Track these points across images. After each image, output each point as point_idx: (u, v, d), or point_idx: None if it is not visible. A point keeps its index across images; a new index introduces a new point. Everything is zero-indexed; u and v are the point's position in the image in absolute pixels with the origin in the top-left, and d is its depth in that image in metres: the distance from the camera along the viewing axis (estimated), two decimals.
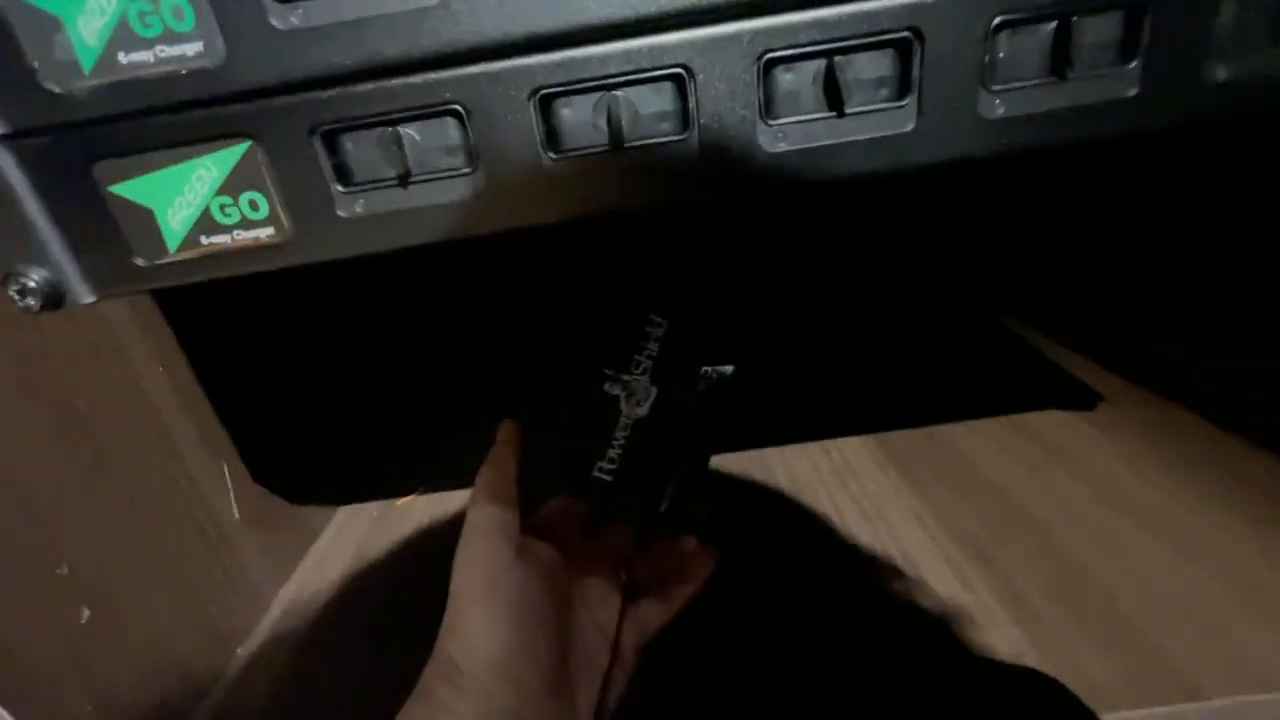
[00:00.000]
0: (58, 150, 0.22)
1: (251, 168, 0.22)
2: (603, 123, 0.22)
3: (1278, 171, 0.38)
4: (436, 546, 0.38)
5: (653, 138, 0.22)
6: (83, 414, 0.31)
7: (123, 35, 0.20)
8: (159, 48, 0.20)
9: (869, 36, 0.21)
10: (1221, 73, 0.22)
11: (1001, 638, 0.33)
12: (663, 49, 0.21)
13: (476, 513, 0.28)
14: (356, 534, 0.49)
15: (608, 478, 0.33)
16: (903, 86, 0.22)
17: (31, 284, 0.23)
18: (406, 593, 0.42)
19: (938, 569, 0.38)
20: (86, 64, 0.20)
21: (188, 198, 0.22)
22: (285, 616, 0.41)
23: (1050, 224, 0.61)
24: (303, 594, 0.43)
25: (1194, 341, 0.46)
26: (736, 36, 0.21)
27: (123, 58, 0.20)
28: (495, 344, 0.65)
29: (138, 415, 0.35)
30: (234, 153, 0.22)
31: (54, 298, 0.23)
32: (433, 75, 0.21)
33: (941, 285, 0.73)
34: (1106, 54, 0.22)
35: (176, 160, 0.22)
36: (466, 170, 0.23)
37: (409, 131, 0.22)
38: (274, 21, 0.20)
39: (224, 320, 0.42)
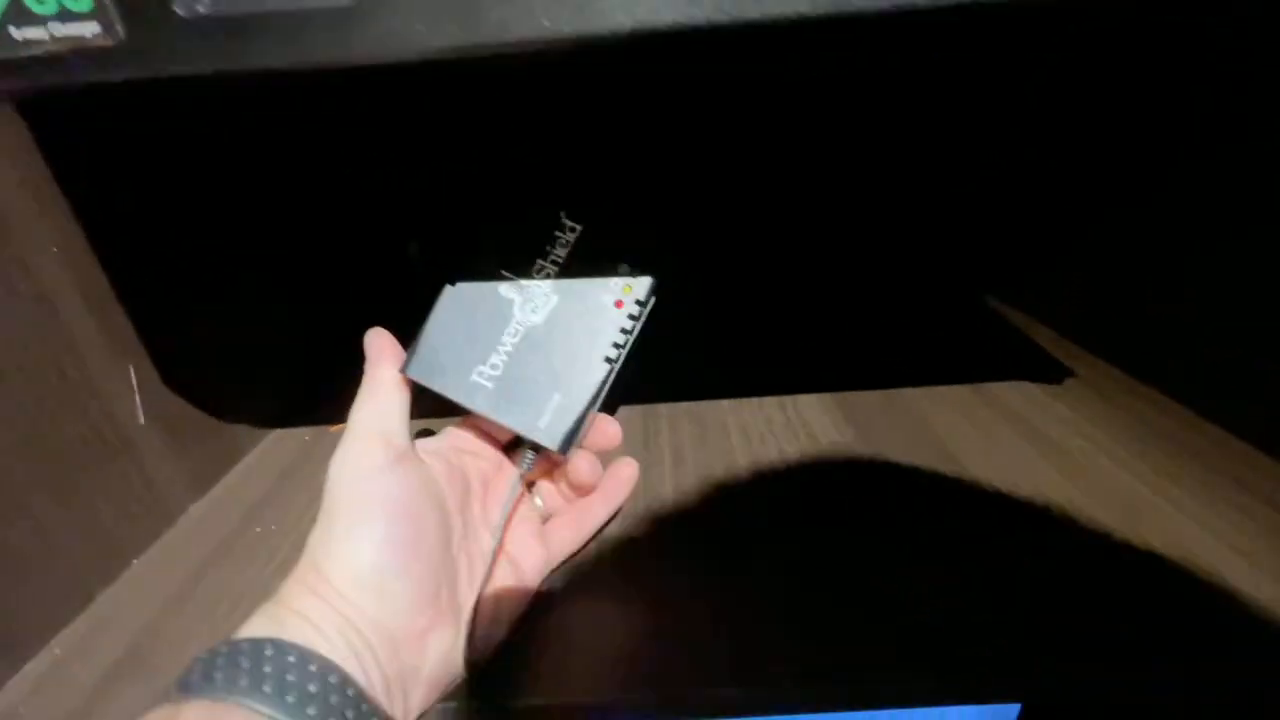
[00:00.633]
0: None
1: None
2: None
3: (1248, 154, 0.37)
4: None
5: None
6: None
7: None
8: None
9: None
10: None
11: None
12: None
13: (354, 417, 0.27)
14: (284, 456, 0.47)
15: (488, 384, 0.31)
16: None
17: None
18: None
19: None
20: None
21: None
22: (193, 531, 0.39)
23: (1038, 201, 0.59)
24: (215, 511, 0.41)
25: (1166, 323, 0.45)
26: None
27: None
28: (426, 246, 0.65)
29: (22, 297, 0.31)
30: None
31: None
32: None
33: (919, 251, 0.71)
34: None
35: None
36: None
37: None
38: None
39: (149, 210, 0.39)
